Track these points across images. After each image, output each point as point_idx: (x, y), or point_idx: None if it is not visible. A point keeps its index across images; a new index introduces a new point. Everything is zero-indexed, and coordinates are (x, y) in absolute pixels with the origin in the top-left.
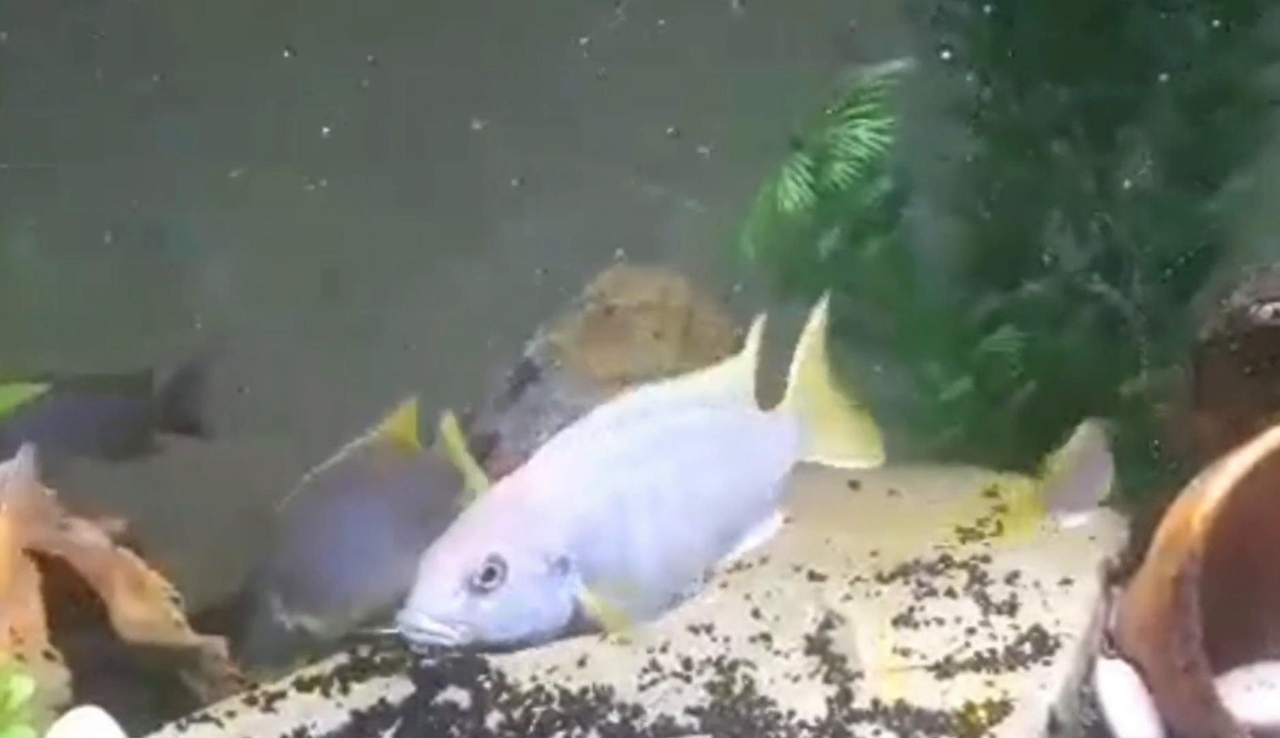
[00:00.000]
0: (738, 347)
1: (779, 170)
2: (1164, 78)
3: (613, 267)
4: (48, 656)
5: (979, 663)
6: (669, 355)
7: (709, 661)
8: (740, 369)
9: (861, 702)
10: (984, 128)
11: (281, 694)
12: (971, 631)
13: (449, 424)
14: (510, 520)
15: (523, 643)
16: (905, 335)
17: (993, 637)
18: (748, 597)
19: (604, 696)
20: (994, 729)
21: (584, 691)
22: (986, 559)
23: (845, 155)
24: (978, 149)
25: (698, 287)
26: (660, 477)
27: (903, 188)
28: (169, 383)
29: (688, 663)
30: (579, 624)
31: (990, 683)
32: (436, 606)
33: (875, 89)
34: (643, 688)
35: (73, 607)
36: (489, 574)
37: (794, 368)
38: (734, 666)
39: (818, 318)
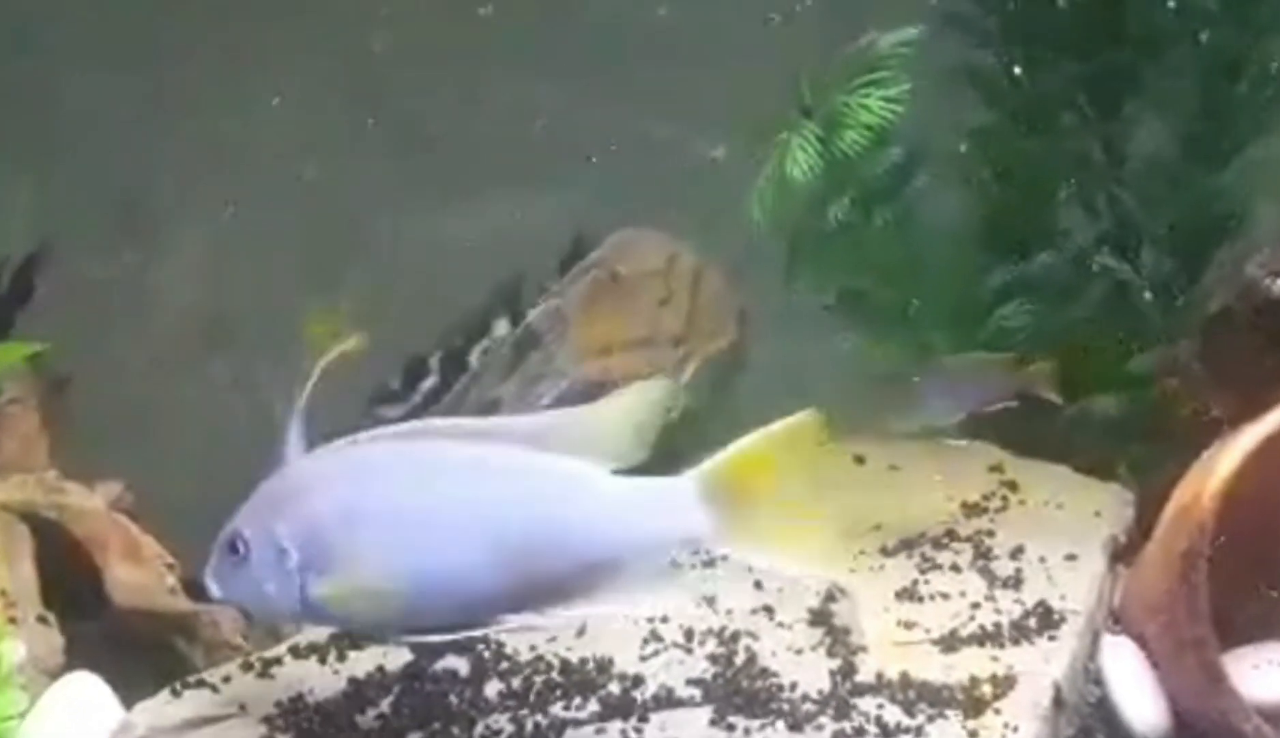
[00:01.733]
0: (743, 317)
1: (788, 138)
2: (1176, 49)
3: (619, 231)
4: (41, 620)
5: (983, 637)
6: (675, 323)
7: (711, 632)
8: (596, 422)
9: (865, 675)
10: (994, 98)
11: (278, 661)
12: (976, 605)
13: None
14: (262, 504)
15: (272, 617)
16: (913, 308)
17: (997, 611)
18: (750, 569)
19: (604, 666)
20: (998, 704)
21: (584, 660)
22: (991, 534)
23: (856, 123)
24: (988, 119)
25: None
26: (417, 500)
27: (913, 157)
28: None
29: (689, 634)
30: (317, 615)
31: (995, 658)
32: (210, 559)
33: (887, 57)
34: (644, 659)
35: (68, 572)
36: (233, 548)
37: (727, 452)
38: (736, 637)
39: (796, 421)
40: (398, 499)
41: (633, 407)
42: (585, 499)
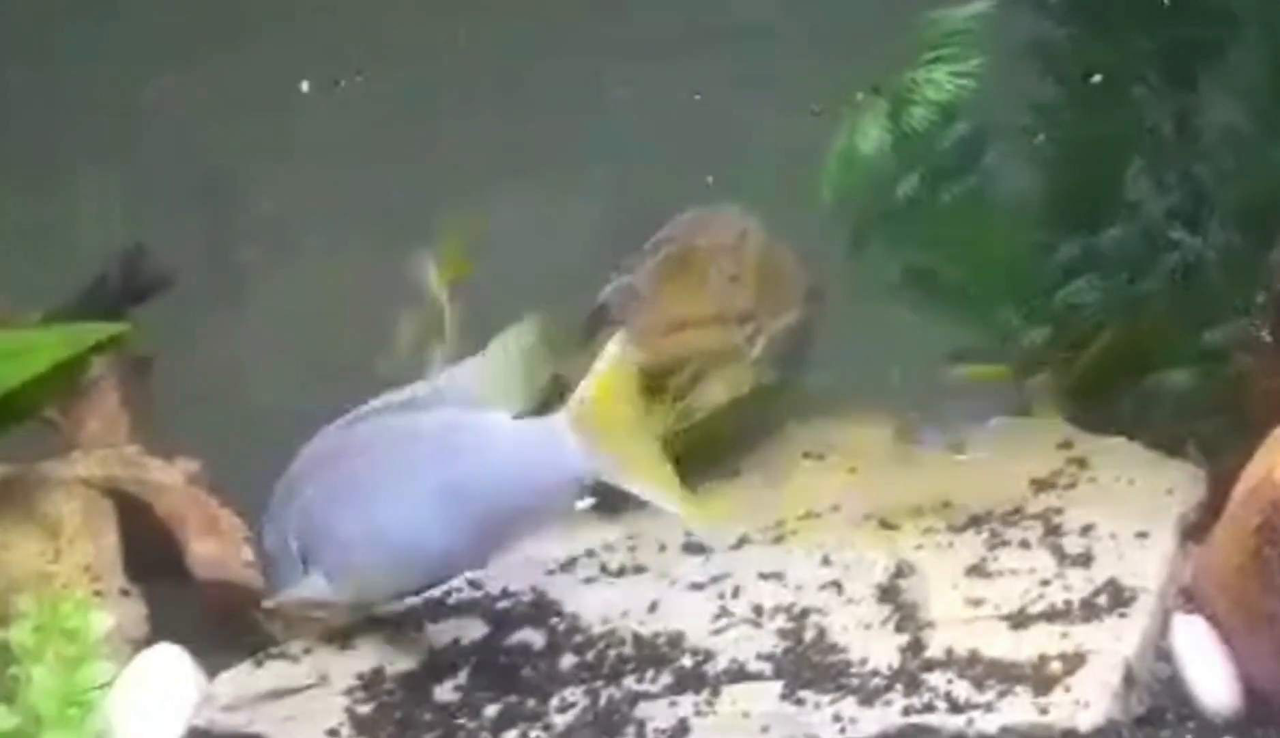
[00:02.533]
0: (811, 293)
1: (857, 113)
2: (1247, 22)
3: (691, 209)
4: (124, 592)
5: (1053, 614)
6: (745, 299)
7: (780, 607)
8: (491, 370)
9: (934, 651)
10: (1062, 73)
11: (358, 632)
12: (1045, 582)
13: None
14: (274, 497)
15: (297, 604)
16: (982, 283)
17: (1067, 589)
18: (819, 545)
19: (675, 640)
20: (1069, 681)
21: (656, 634)
22: (1060, 511)
23: (925, 99)
24: (1056, 94)
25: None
26: (373, 471)
27: (981, 133)
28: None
29: (759, 609)
30: (317, 601)
31: (1065, 635)
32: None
33: (956, 32)
34: (714, 633)
35: (150, 546)
36: (260, 538)
37: (589, 378)
38: (805, 613)
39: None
40: (366, 477)
41: (502, 355)
42: (491, 447)
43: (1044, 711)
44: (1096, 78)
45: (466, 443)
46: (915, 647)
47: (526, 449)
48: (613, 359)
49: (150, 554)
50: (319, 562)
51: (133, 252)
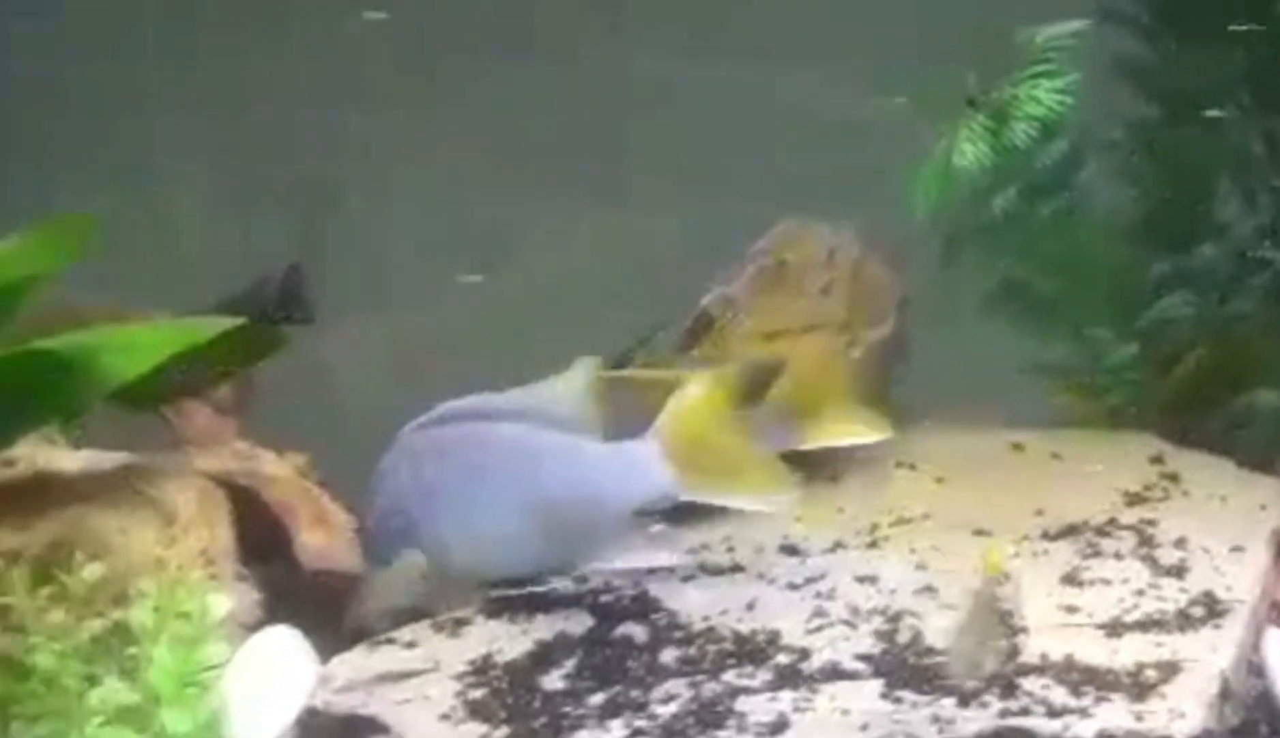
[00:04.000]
0: (904, 305)
1: (954, 128)
2: None
3: (784, 221)
4: (240, 578)
5: (1148, 624)
6: (837, 311)
7: (876, 610)
8: (574, 394)
9: (1029, 656)
10: (1153, 90)
11: (468, 620)
12: (1140, 592)
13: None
14: (371, 486)
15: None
16: (1075, 298)
17: (1161, 599)
18: (912, 550)
19: (773, 638)
20: (1164, 689)
21: (754, 632)
22: (1153, 523)
23: (1024, 115)
24: (1147, 112)
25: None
26: (468, 473)
27: (1079, 149)
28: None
29: (855, 611)
30: (419, 588)
31: (1160, 644)
32: None
33: (1055, 48)
34: (809, 633)
35: (261, 535)
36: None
37: (673, 407)
38: (900, 615)
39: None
40: (459, 475)
41: (578, 384)
42: (580, 469)
43: (1140, 718)
44: (1187, 97)
45: (557, 464)
46: (1010, 652)
47: (614, 472)
48: (694, 397)
49: (261, 544)
50: (415, 545)
51: (295, 268)
